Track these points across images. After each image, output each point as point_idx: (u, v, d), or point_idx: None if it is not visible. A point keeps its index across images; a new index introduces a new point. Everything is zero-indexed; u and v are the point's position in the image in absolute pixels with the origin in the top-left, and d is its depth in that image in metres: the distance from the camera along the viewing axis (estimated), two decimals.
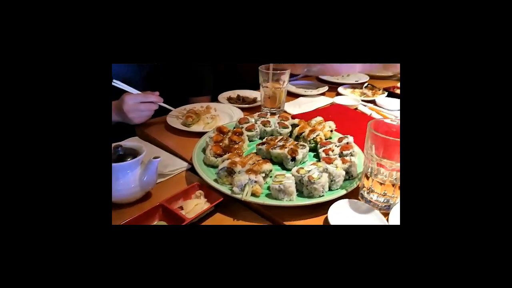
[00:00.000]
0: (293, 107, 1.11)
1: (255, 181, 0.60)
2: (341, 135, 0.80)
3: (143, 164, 0.60)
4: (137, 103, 0.84)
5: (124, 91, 0.86)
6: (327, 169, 0.63)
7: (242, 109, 1.04)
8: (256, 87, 1.09)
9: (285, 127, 0.84)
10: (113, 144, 0.60)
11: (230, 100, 1.14)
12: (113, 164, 0.57)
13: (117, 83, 0.86)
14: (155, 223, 0.55)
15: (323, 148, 0.73)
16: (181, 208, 0.58)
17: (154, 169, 0.59)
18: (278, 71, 0.98)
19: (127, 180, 0.57)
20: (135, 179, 0.58)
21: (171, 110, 0.96)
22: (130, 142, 0.64)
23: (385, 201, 0.59)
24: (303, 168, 0.64)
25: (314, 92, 1.26)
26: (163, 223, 0.53)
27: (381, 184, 0.59)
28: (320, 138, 0.78)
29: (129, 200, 0.60)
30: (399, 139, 0.56)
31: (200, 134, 0.84)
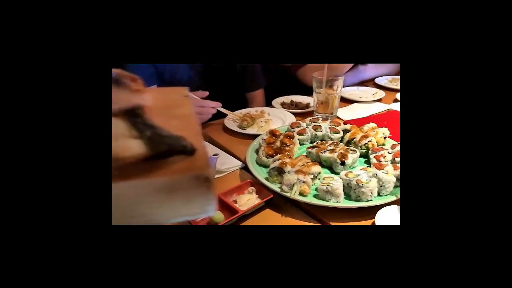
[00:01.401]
0: (346, 113, 1.11)
1: (304, 181, 0.63)
2: (394, 142, 0.79)
3: None
4: (197, 107, 0.93)
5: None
6: (376, 174, 0.63)
7: (295, 114, 1.08)
8: (310, 92, 1.12)
9: (336, 132, 0.86)
10: None
11: (283, 105, 1.18)
12: None
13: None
14: None
15: (375, 154, 0.73)
16: (235, 201, 0.64)
17: (213, 165, 0.67)
18: (332, 77, 1.00)
19: None
20: None
21: (226, 115, 1.04)
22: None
23: None
24: (352, 172, 0.65)
25: (370, 98, 1.23)
26: (219, 213, 0.60)
27: None
28: (372, 144, 0.78)
29: None
30: None
31: (254, 136, 0.90)
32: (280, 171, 0.67)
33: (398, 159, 0.70)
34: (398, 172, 0.65)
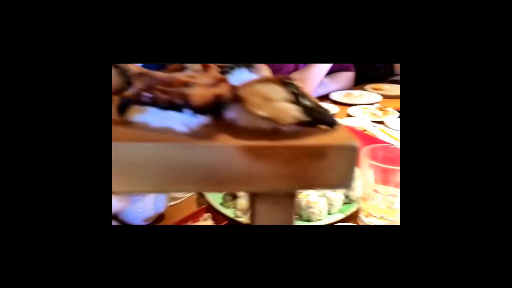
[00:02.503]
0: None
1: None
2: None
3: None
4: None
5: None
6: (325, 193, 0.66)
7: None
8: None
9: None
10: None
11: None
12: None
13: None
14: None
15: None
16: None
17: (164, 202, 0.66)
18: None
19: (141, 204, 0.64)
20: (148, 203, 0.65)
21: None
22: None
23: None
24: (302, 192, 0.67)
25: None
26: None
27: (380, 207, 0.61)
28: None
29: (144, 222, 0.66)
30: (395, 167, 0.58)
31: None
32: (234, 195, 0.68)
33: None
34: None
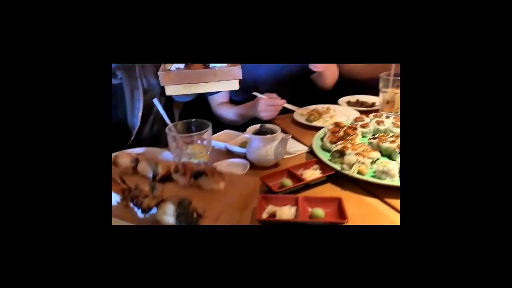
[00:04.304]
0: None
1: (362, 162, 0.73)
2: None
3: (277, 140, 0.83)
4: (268, 105, 1.10)
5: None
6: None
7: (360, 112, 1.16)
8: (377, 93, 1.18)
9: (399, 127, 0.92)
10: (259, 124, 0.86)
11: (349, 103, 1.27)
12: (259, 136, 0.82)
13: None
14: (281, 180, 0.76)
15: None
16: (301, 174, 0.78)
17: (285, 143, 0.81)
18: (399, 77, 1.05)
19: (266, 148, 0.82)
20: (271, 149, 0.82)
21: (294, 111, 1.18)
22: (269, 125, 0.89)
23: None
24: None
25: None
26: (288, 181, 0.74)
27: None
28: None
29: (265, 164, 0.84)
30: None
31: (319, 129, 1.02)
32: (341, 153, 0.78)
33: None
34: None
